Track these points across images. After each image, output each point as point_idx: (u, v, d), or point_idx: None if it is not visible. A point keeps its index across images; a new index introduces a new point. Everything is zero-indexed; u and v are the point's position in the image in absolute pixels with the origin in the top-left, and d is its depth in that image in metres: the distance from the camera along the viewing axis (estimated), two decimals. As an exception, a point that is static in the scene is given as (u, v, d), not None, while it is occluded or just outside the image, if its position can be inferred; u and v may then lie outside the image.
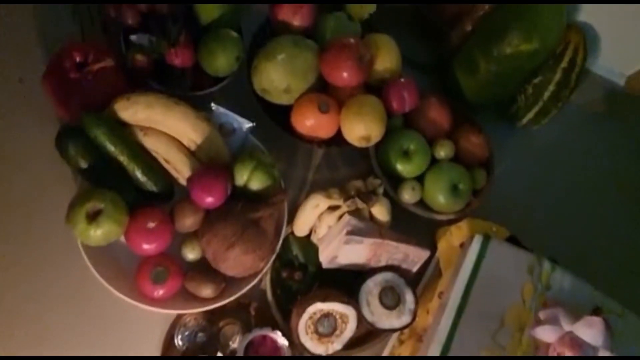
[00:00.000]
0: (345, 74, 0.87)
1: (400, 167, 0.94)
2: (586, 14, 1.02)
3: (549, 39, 0.93)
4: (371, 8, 0.95)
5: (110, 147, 0.80)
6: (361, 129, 0.88)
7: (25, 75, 0.90)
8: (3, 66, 0.91)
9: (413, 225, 0.97)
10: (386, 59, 0.93)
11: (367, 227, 0.87)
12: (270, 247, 0.85)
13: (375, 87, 0.95)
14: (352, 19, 0.94)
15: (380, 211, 0.90)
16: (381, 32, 0.97)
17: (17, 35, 0.93)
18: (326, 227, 0.88)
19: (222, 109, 0.88)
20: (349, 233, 0.84)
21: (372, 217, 0.91)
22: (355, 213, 0.89)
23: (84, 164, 0.79)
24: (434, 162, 0.98)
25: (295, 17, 0.89)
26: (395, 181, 0.96)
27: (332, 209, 0.89)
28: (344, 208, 0.87)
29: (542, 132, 1.13)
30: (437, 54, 1.10)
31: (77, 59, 0.82)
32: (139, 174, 0.82)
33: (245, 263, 0.82)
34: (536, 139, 1.14)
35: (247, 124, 0.89)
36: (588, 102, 1.18)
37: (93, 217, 0.76)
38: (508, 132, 1.13)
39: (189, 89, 0.90)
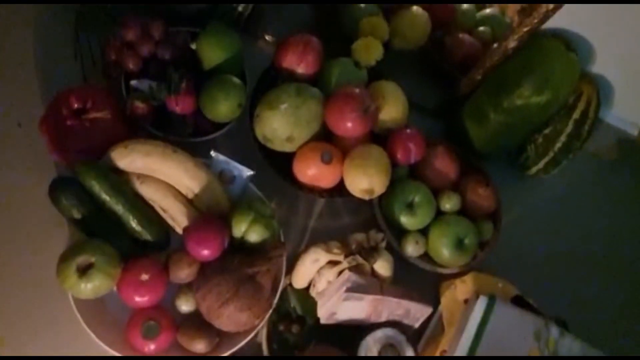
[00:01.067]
0: (349, 125, 0.85)
1: (404, 220, 0.91)
2: (599, 64, 0.99)
3: (561, 92, 0.91)
4: (378, 55, 0.92)
5: (105, 197, 0.77)
6: (364, 182, 0.85)
7: (23, 119, 0.88)
8: (2, 109, 0.89)
9: (416, 277, 0.94)
10: (392, 108, 0.90)
11: (367, 283, 0.85)
12: (267, 303, 0.82)
13: (380, 136, 0.92)
14: (359, 66, 0.92)
15: (383, 266, 0.87)
16: (388, 78, 0.95)
17: (18, 76, 0.92)
18: (325, 282, 0.85)
19: (221, 157, 0.86)
20: (349, 290, 0.81)
21: (373, 272, 0.88)
22: (356, 268, 0.86)
23: (77, 214, 0.77)
24: (439, 213, 0.95)
25: (300, 65, 0.87)
26: (399, 232, 0.94)
27: (332, 263, 0.86)
28: (345, 264, 0.84)
29: (552, 181, 1.10)
30: (446, 99, 1.08)
31: (75, 105, 0.80)
32: (134, 224, 0.80)
33: (240, 320, 0.79)
34: (545, 188, 1.11)
35: (247, 172, 0.87)
36: (600, 151, 1.15)
37: (83, 271, 0.73)
38: (516, 180, 1.10)
39: (189, 135, 0.88)
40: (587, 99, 0.96)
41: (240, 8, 0.93)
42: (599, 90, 0.97)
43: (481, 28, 1.11)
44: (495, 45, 1.09)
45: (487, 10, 1.16)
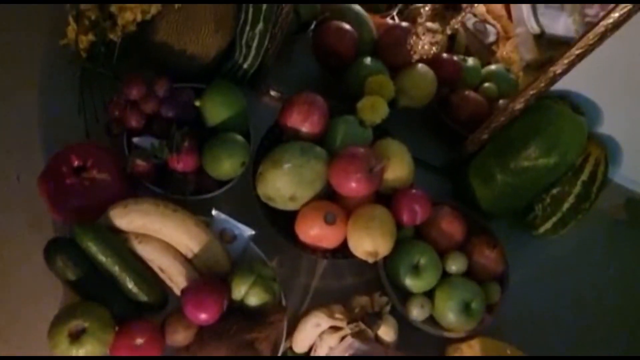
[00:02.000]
0: (354, 185, 0.83)
1: (410, 282, 0.89)
2: (606, 125, 0.98)
3: (569, 155, 0.90)
4: (383, 114, 0.92)
5: (102, 258, 0.75)
6: (368, 244, 0.83)
7: (23, 172, 0.87)
8: (2, 162, 0.88)
9: (421, 341, 0.91)
10: (398, 167, 0.89)
11: (371, 349, 0.81)
12: (266, 371, 0.78)
13: (385, 195, 0.91)
14: (364, 125, 0.91)
15: (386, 332, 0.84)
16: (393, 136, 0.94)
17: (20, 129, 0.91)
18: (327, 347, 0.82)
19: (223, 216, 0.84)
20: (352, 357, 0.78)
21: (377, 337, 0.85)
22: (359, 334, 0.82)
23: (72, 276, 0.74)
24: (445, 274, 0.92)
25: (305, 124, 0.87)
26: (404, 293, 0.91)
27: (334, 328, 0.83)
28: (347, 330, 0.81)
29: (560, 241, 1.07)
30: (452, 157, 1.06)
31: (75, 163, 0.79)
32: (130, 285, 0.77)
33: (237, 389, 0.76)
34: (553, 248, 1.08)
35: (248, 232, 0.85)
36: (608, 210, 1.13)
37: (76, 337, 0.71)
38: (524, 240, 1.07)
39: (190, 192, 0.86)
40: (595, 160, 0.95)
41: (245, 66, 0.93)
42: (607, 151, 0.96)
43: (486, 84, 1.11)
44: (501, 102, 1.10)
45: (493, 67, 1.16)
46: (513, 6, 1.21)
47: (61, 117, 0.93)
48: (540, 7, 1.16)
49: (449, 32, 0.83)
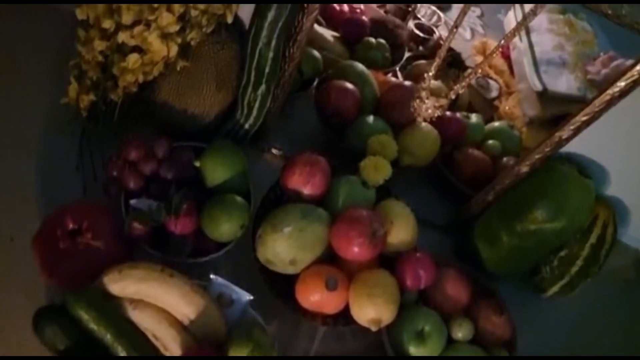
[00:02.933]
0: (356, 250, 0.81)
1: (414, 350, 0.85)
2: (614, 187, 0.96)
3: (577, 218, 0.88)
4: (386, 174, 0.90)
5: (93, 326, 0.72)
6: (371, 311, 0.80)
7: (17, 233, 0.85)
8: (-4, 222, 0.86)
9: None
10: (401, 230, 0.87)
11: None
12: None
13: (389, 257, 0.88)
14: (367, 185, 0.90)
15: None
16: (397, 196, 0.92)
17: (17, 185, 0.90)
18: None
19: (220, 280, 0.82)
20: None
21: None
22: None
23: (60, 346, 0.71)
24: (450, 340, 0.89)
25: (307, 186, 0.85)
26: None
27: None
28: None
29: (568, 302, 1.04)
30: (456, 216, 1.04)
31: (70, 226, 0.77)
32: (122, 354, 0.74)
33: None
34: (561, 310, 1.05)
35: (246, 297, 0.82)
36: (618, 270, 1.10)
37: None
38: (531, 301, 1.04)
39: (188, 255, 0.84)
40: (603, 222, 0.93)
41: (247, 126, 0.92)
42: (615, 214, 0.94)
43: (490, 142, 1.10)
44: (505, 159, 1.09)
45: (496, 124, 1.15)
46: (515, 62, 1.22)
47: (59, 174, 0.91)
48: (542, 65, 1.16)
49: (452, 96, 0.83)
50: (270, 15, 0.76)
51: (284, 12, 0.75)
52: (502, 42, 0.79)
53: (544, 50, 1.16)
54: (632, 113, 0.85)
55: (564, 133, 0.79)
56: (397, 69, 1.22)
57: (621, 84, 0.70)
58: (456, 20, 0.78)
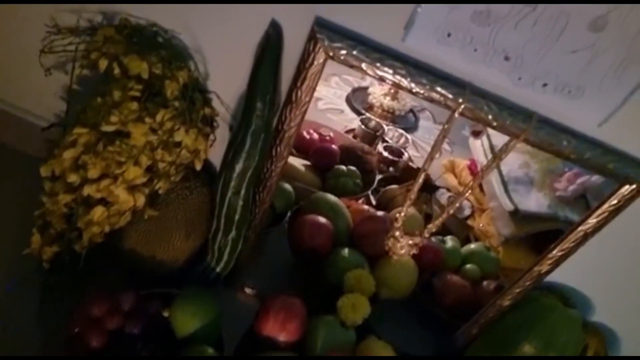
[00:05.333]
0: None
1: None
2: (600, 312, 0.93)
3: (568, 350, 0.84)
4: (365, 312, 0.86)
5: None
6: None
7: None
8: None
9: None
10: (384, 374, 0.82)
11: None
12: None
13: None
14: (345, 326, 0.86)
15: None
16: (378, 334, 0.88)
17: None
18: None
19: None
20: None
21: None
22: None
23: None
24: None
25: (282, 333, 0.81)
26: None
27: None
28: None
29: None
30: (441, 350, 1.00)
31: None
32: None
33: None
34: None
35: None
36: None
37: None
38: None
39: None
40: (594, 351, 0.89)
41: (218, 269, 0.89)
42: (604, 340, 0.91)
43: (468, 266, 1.09)
44: (485, 283, 1.07)
45: (472, 246, 1.14)
46: (484, 181, 1.23)
47: (17, 328, 0.86)
48: (511, 184, 1.18)
49: (427, 235, 0.82)
50: (238, 167, 0.76)
51: (252, 163, 0.75)
52: (479, 176, 0.80)
53: (512, 169, 1.18)
54: (612, 245, 0.84)
55: (543, 268, 0.78)
56: (370, 192, 1.23)
57: (592, 220, 0.70)
58: (431, 151, 0.77)
